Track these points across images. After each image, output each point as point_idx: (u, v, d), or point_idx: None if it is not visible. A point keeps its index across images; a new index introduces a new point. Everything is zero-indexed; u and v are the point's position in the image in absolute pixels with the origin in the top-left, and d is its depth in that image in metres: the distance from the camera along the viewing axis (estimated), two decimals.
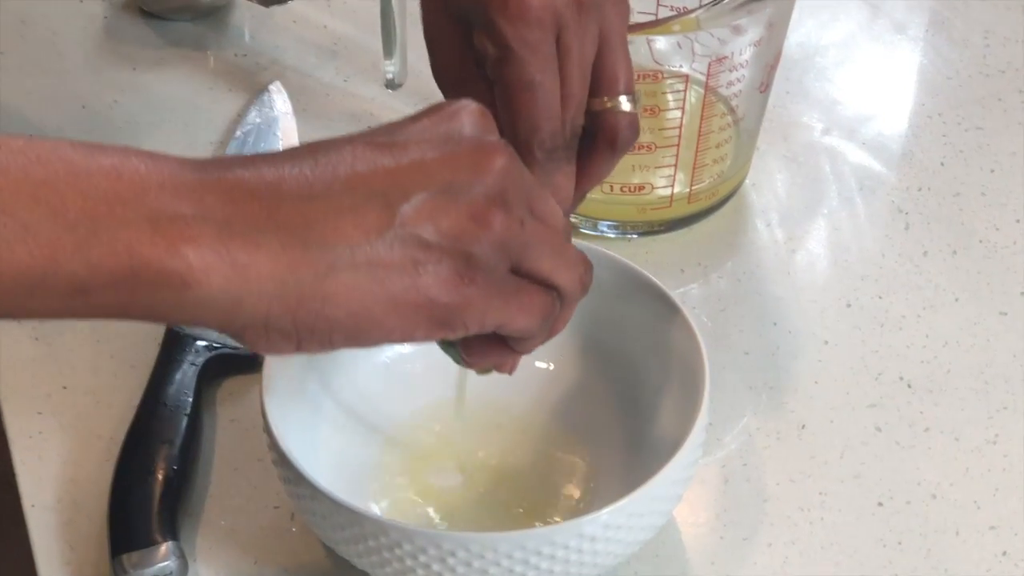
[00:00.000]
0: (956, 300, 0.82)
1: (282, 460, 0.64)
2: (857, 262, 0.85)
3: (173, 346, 0.76)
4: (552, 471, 0.72)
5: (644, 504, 0.63)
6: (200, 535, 0.70)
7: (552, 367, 0.75)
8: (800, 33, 0.99)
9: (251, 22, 1.01)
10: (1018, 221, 0.87)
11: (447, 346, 0.61)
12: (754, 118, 0.85)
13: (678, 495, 0.66)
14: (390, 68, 0.89)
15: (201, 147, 0.91)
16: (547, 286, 0.57)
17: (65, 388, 0.77)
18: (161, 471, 0.70)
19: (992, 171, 0.90)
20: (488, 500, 0.71)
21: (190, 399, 0.74)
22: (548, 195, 0.57)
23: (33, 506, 0.72)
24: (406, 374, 0.73)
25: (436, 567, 0.61)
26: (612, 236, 0.85)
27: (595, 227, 0.85)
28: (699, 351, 0.68)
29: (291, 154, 0.53)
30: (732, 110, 0.83)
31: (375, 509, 0.69)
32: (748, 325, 0.81)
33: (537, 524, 0.62)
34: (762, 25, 0.79)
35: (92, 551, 0.70)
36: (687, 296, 0.82)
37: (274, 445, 0.65)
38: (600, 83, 0.62)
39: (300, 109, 0.93)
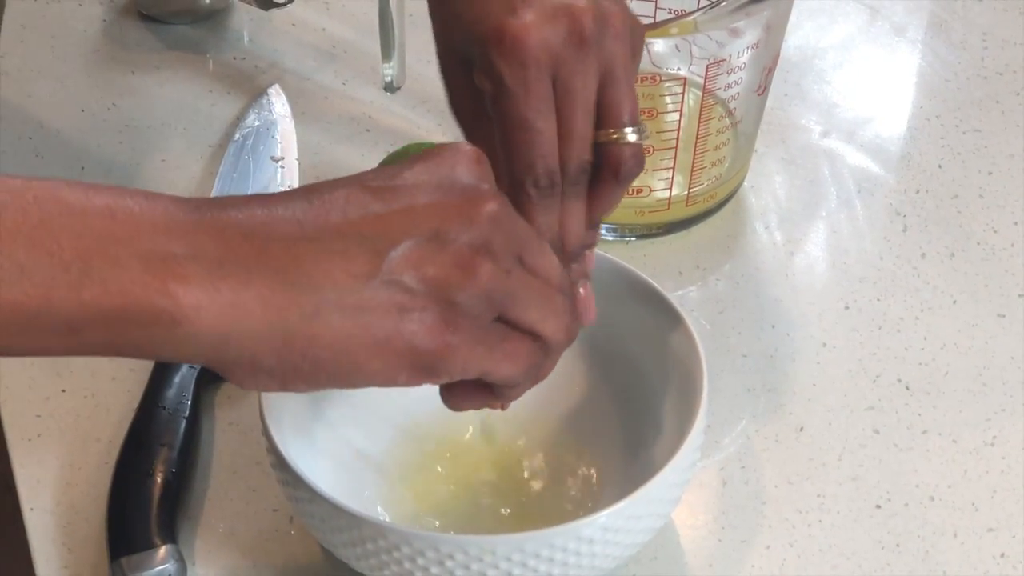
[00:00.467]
0: (954, 302, 0.82)
1: (280, 463, 0.64)
2: (855, 264, 0.85)
3: None
4: (551, 474, 0.72)
5: (642, 507, 0.63)
6: (199, 538, 0.71)
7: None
8: (798, 36, 0.99)
9: (250, 25, 1.01)
10: (1016, 223, 0.87)
11: None
12: (752, 121, 0.85)
13: (676, 498, 0.66)
14: (388, 71, 0.89)
15: (200, 150, 0.91)
16: (533, 335, 0.57)
17: (64, 391, 0.77)
18: (160, 474, 0.70)
19: (990, 173, 0.90)
20: (486, 503, 0.71)
21: (189, 402, 0.74)
22: (542, 245, 0.58)
23: (32, 509, 0.72)
24: None
25: (434, 570, 0.61)
26: (610, 239, 0.85)
27: None
28: (697, 354, 0.68)
29: (285, 196, 0.54)
30: (730, 112, 0.83)
31: (373, 512, 0.69)
32: (746, 328, 0.81)
33: (536, 527, 0.62)
34: (760, 28, 0.79)
35: (91, 554, 0.70)
36: (685, 299, 0.83)
37: (272, 448, 0.65)
38: (604, 116, 0.62)
39: (299, 112, 0.93)
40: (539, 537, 0.61)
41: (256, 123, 0.91)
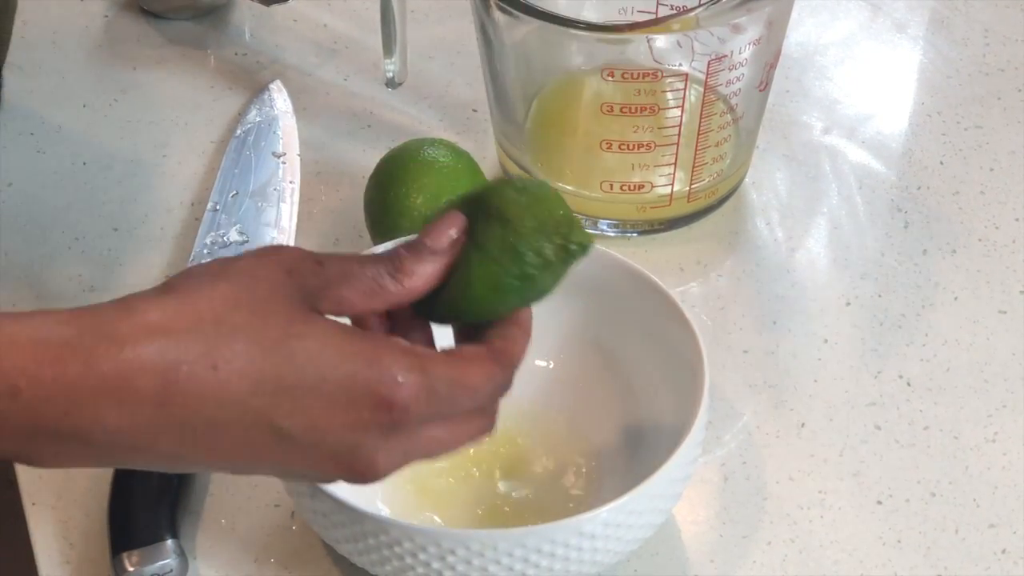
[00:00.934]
0: (955, 299, 0.82)
1: None
2: (857, 261, 0.85)
3: None
4: (552, 469, 0.72)
5: (644, 502, 0.63)
6: (200, 533, 0.71)
7: (552, 365, 0.75)
8: (800, 32, 0.99)
9: (251, 21, 1.01)
10: (1017, 219, 0.87)
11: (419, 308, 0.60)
12: (753, 117, 0.85)
13: (678, 493, 0.66)
14: (390, 67, 0.89)
15: (201, 146, 0.91)
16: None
17: None
18: None
19: (991, 170, 0.90)
20: (488, 498, 0.71)
21: None
22: (463, 393, 0.55)
23: (34, 504, 0.72)
24: None
25: (436, 565, 0.61)
26: (612, 235, 0.85)
27: (595, 225, 0.85)
28: (698, 350, 0.68)
29: (184, 427, 0.52)
30: (731, 109, 0.83)
31: (375, 507, 0.69)
32: (748, 324, 0.81)
33: (537, 522, 0.62)
34: (761, 24, 0.79)
35: (92, 549, 0.70)
36: (687, 295, 0.83)
37: None
38: None
39: (300, 108, 0.93)
40: (540, 532, 0.61)
41: (257, 119, 0.91)
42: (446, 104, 0.94)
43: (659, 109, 0.80)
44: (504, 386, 0.57)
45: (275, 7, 0.99)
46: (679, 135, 0.81)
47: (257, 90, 0.94)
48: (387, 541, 0.62)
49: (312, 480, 0.56)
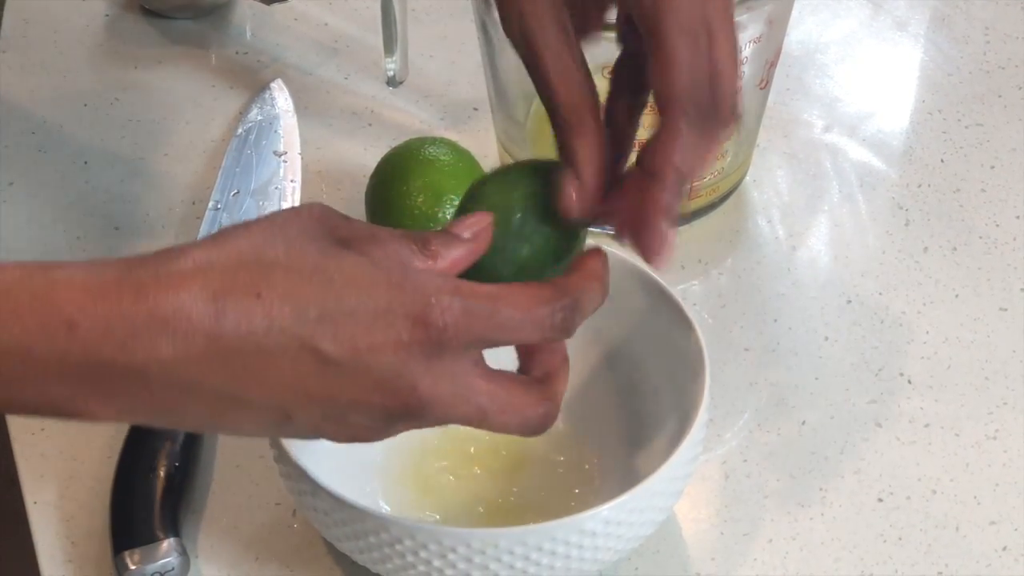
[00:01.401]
0: (956, 296, 0.82)
1: (283, 457, 0.64)
2: (857, 258, 0.85)
3: None
4: (553, 467, 0.72)
5: (645, 500, 0.63)
6: (202, 532, 0.71)
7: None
8: (801, 30, 0.99)
9: (252, 20, 1.01)
10: (1018, 217, 0.87)
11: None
12: (754, 115, 0.85)
13: (679, 491, 0.66)
14: (391, 66, 0.89)
15: (203, 145, 0.91)
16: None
17: None
18: (163, 468, 0.70)
19: (992, 167, 0.90)
20: (489, 496, 0.71)
21: None
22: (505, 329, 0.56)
23: (35, 503, 0.72)
24: None
25: (437, 563, 0.61)
26: (612, 233, 0.85)
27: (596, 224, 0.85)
28: (699, 347, 0.68)
29: (233, 360, 0.53)
30: None
31: (376, 506, 0.69)
32: (748, 322, 0.81)
33: (538, 520, 0.62)
34: (762, 22, 0.79)
35: (94, 548, 0.70)
36: (688, 293, 0.83)
37: (275, 442, 0.65)
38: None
39: (301, 107, 0.93)
40: (541, 530, 0.61)
41: (259, 118, 0.91)
42: (447, 103, 0.94)
43: None
44: (551, 320, 0.56)
45: (276, 6, 1.00)
46: None
47: (258, 89, 0.94)
48: (388, 539, 0.62)
49: (363, 422, 0.55)
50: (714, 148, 0.60)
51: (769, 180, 0.89)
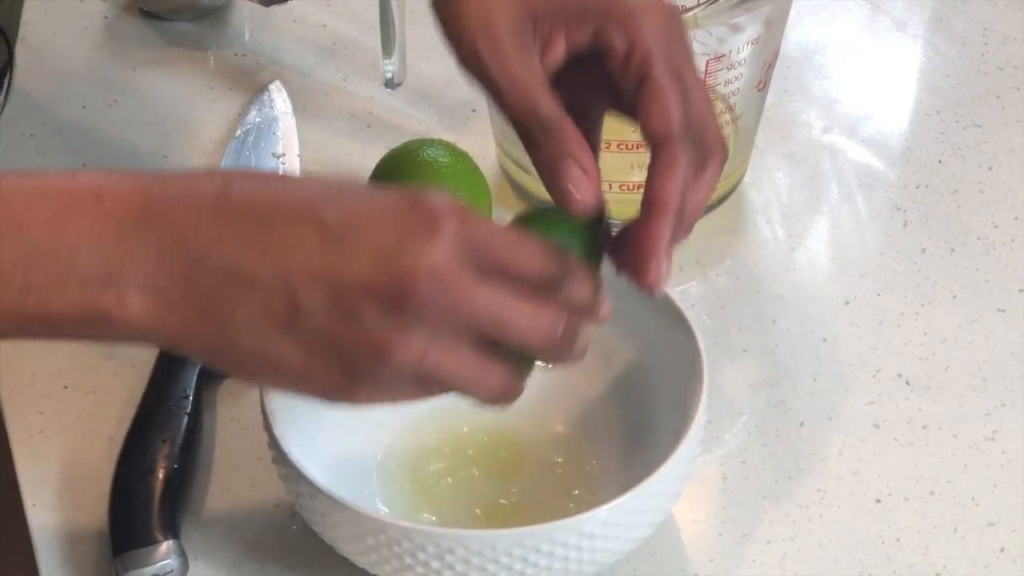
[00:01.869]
0: (954, 297, 0.82)
1: (282, 459, 0.64)
2: (856, 260, 0.85)
3: None
4: (551, 468, 0.72)
5: (643, 501, 0.63)
6: (201, 533, 0.71)
7: (551, 365, 0.75)
8: (799, 31, 0.99)
9: (251, 22, 1.01)
10: (1016, 218, 0.87)
11: None
12: (752, 116, 0.86)
13: (677, 492, 0.66)
14: (389, 67, 0.89)
15: (201, 146, 0.91)
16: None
17: (66, 387, 0.77)
18: (162, 470, 0.70)
19: (990, 168, 0.90)
20: (487, 497, 0.71)
21: (190, 398, 0.74)
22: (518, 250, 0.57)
23: (34, 505, 0.72)
24: None
25: (435, 564, 0.61)
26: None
27: None
28: (698, 349, 0.68)
29: (240, 216, 0.55)
30: (730, 108, 0.84)
31: (374, 507, 0.69)
32: (747, 323, 0.81)
33: (536, 522, 0.62)
34: (760, 23, 0.79)
35: (93, 549, 0.70)
36: (686, 294, 0.83)
37: (274, 443, 0.65)
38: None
39: (300, 108, 0.93)
40: (539, 532, 0.61)
41: (257, 119, 0.92)
42: (445, 104, 0.94)
43: None
44: (545, 266, 0.58)
45: (274, 8, 1.00)
46: None
47: (257, 91, 0.94)
48: (386, 541, 0.62)
49: (370, 315, 0.54)
50: (712, 180, 0.63)
51: (768, 181, 0.89)
